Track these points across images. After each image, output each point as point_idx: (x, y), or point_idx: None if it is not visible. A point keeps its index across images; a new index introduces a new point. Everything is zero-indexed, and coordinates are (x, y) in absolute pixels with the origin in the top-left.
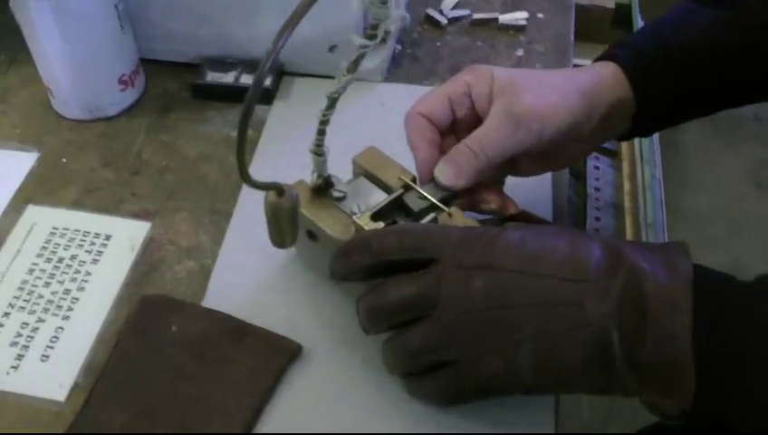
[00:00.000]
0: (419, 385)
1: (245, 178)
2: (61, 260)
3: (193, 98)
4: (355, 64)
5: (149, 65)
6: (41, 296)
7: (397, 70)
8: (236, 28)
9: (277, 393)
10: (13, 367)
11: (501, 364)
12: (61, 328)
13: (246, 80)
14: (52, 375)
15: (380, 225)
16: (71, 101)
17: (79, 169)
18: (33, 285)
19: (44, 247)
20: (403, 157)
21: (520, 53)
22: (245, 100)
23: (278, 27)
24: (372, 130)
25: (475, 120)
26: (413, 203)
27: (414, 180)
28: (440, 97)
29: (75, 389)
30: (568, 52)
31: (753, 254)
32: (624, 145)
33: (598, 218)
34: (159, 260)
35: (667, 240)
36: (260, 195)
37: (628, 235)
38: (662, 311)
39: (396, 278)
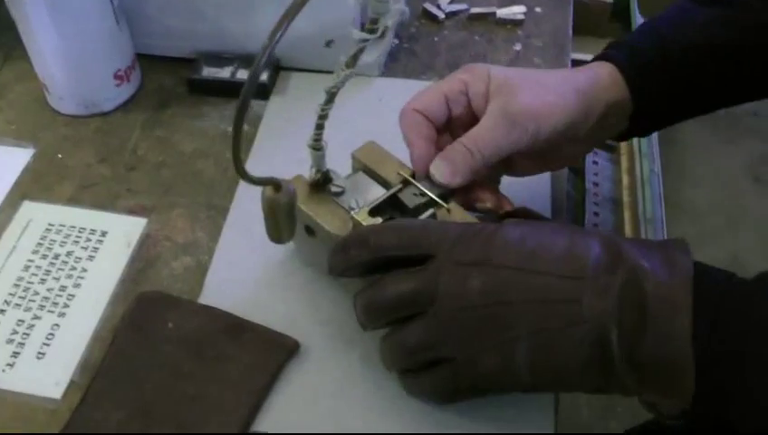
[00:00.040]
0: (416, 382)
1: (241, 173)
2: (57, 257)
3: (189, 93)
4: (354, 59)
5: (145, 60)
6: (36, 293)
7: (394, 64)
8: (233, 23)
9: (275, 390)
10: (8, 365)
11: (498, 362)
12: (57, 325)
13: (243, 75)
14: (48, 373)
15: (378, 220)
16: (66, 97)
17: (74, 164)
18: (29, 282)
19: (40, 244)
20: (400, 152)
21: (518, 47)
22: (241, 94)
23: (274, 22)
24: (369, 124)
25: (472, 118)
26: (408, 200)
27: (413, 176)
28: (436, 94)
29: (71, 386)
30: (566, 46)
31: (752, 249)
32: None
33: (596, 213)
34: (156, 256)
35: (665, 235)
36: (257, 190)
37: (627, 230)
38: (662, 310)
39: (393, 274)
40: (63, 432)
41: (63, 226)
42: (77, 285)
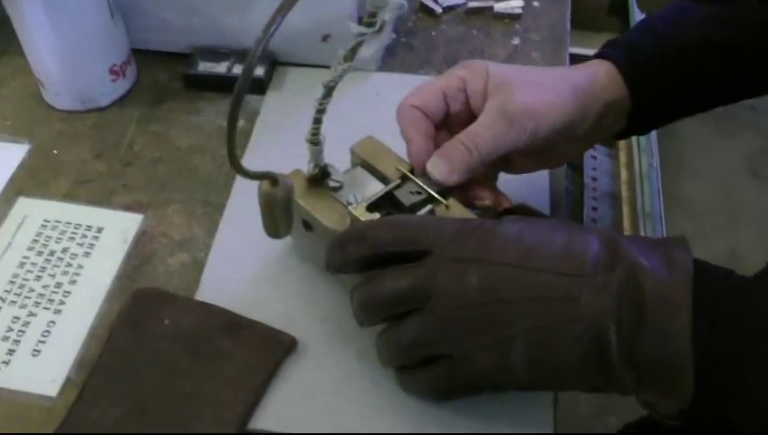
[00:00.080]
0: (412, 379)
1: (237, 167)
2: (52, 253)
3: (185, 88)
4: (352, 53)
5: (141, 56)
6: (32, 290)
7: (391, 59)
8: (228, 18)
9: (272, 387)
10: (4, 362)
11: (494, 359)
12: (52, 322)
13: (239, 70)
14: (44, 370)
15: (376, 216)
16: (62, 93)
17: (70, 160)
18: (25, 279)
19: (36, 240)
20: (398, 147)
21: (516, 41)
22: (235, 88)
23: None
24: (367, 119)
25: (469, 115)
26: (405, 198)
27: (412, 171)
28: (434, 90)
29: (67, 384)
30: (564, 40)
31: (750, 244)
32: None
33: (595, 208)
34: (152, 253)
35: (664, 230)
36: (254, 186)
37: (626, 224)
38: (661, 308)
39: (390, 270)
40: (59, 432)
41: (59, 222)
42: (73, 282)
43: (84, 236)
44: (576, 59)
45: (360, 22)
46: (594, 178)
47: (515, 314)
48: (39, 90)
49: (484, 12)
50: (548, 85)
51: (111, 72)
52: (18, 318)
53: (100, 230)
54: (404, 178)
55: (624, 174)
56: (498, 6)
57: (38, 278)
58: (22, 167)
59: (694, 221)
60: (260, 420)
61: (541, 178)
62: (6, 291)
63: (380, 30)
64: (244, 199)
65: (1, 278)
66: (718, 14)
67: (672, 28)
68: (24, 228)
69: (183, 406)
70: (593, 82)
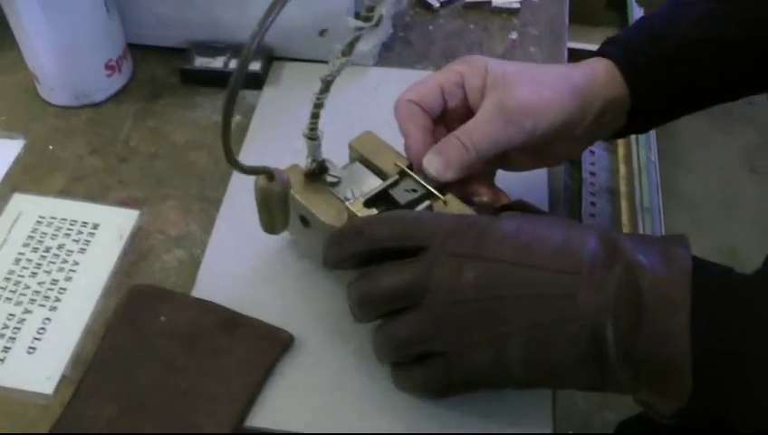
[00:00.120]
0: (408, 376)
1: (232, 162)
2: (48, 249)
3: (181, 83)
4: (350, 47)
5: (137, 51)
6: (27, 287)
7: (389, 54)
8: (225, 12)
9: (269, 384)
10: None
11: (491, 356)
12: (48, 319)
13: (236, 65)
14: (40, 368)
15: (374, 211)
16: (57, 88)
17: (66, 156)
18: (20, 276)
19: (31, 237)
20: (395, 142)
21: (514, 36)
22: (230, 82)
23: None
24: (364, 114)
25: (467, 111)
26: (400, 196)
27: (410, 167)
28: (432, 86)
29: (63, 381)
30: (562, 35)
31: (748, 238)
32: None
33: (593, 203)
34: (148, 249)
35: (663, 224)
36: (250, 182)
37: (624, 219)
38: (659, 307)
39: (386, 266)
40: (54, 432)
41: (54, 218)
42: (68, 279)
43: (80, 232)
44: (574, 54)
45: (357, 16)
46: (592, 174)
47: (512, 311)
48: (34, 85)
49: (482, 6)
50: (547, 83)
51: (107, 67)
52: (13, 315)
53: (95, 226)
54: (402, 174)
55: (622, 169)
56: (496, 1)
57: (33, 275)
58: (17, 163)
59: (692, 216)
60: (257, 418)
61: (539, 174)
62: (2, 288)
63: (378, 24)
64: (241, 195)
65: None
66: (715, 9)
67: (669, 26)
68: (19, 225)
69: (179, 403)
70: (592, 80)
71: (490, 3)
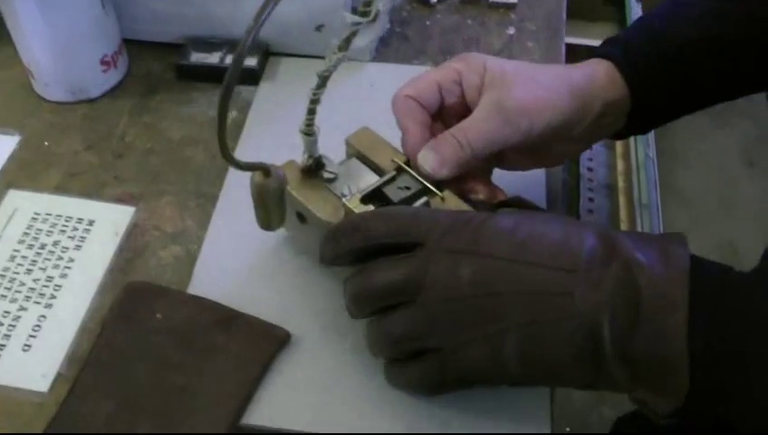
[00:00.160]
0: (402, 372)
1: (228, 158)
2: (43, 246)
3: (177, 79)
4: (347, 42)
5: (132, 46)
6: (22, 284)
7: (385, 49)
8: (221, 7)
9: (266, 382)
10: None
11: (486, 353)
12: (43, 316)
13: (231, 60)
14: (35, 365)
15: (371, 208)
16: (52, 83)
17: (61, 152)
18: (15, 273)
19: (26, 233)
20: (391, 138)
21: (511, 31)
22: (226, 77)
23: None
24: (361, 110)
25: (464, 109)
26: (393, 194)
27: (407, 163)
28: (429, 82)
29: (59, 379)
30: (560, 30)
31: (746, 233)
32: None
33: (591, 199)
34: (144, 246)
35: (661, 220)
36: (247, 178)
37: (623, 215)
38: (656, 305)
39: (381, 261)
40: (50, 431)
41: (50, 214)
42: (64, 276)
43: (75, 229)
44: (572, 49)
45: (354, 11)
46: (590, 169)
47: (509, 308)
48: (29, 80)
49: (479, 1)
50: (545, 83)
51: (102, 62)
52: (8, 313)
53: (91, 223)
54: (399, 170)
55: (620, 165)
56: None
57: (29, 272)
58: (12, 159)
59: (690, 211)
60: (253, 416)
61: (537, 170)
62: None
63: (375, 20)
64: (238, 191)
65: None
66: (714, 8)
67: (669, 25)
68: (14, 221)
69: (175, 401)
70: (592, 81)
71: None
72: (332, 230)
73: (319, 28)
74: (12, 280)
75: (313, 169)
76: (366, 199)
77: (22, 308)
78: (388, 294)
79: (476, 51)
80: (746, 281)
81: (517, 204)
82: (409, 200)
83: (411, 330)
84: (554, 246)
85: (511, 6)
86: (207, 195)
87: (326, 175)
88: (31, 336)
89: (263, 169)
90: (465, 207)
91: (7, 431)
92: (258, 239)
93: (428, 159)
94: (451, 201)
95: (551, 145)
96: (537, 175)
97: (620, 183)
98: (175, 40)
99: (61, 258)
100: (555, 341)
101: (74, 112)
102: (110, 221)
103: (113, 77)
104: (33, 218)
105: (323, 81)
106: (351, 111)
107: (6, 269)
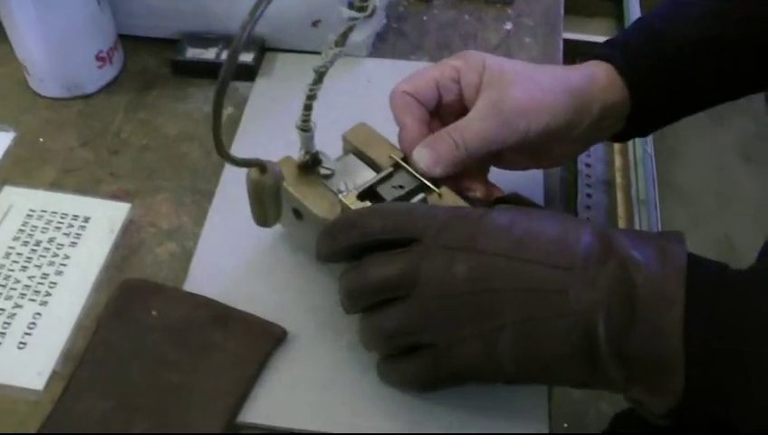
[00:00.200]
0: (396, 368)
1: (223, 154)
2: (38, 243)
3: (173, 75)
4: (344, 37)
5: (128, 41)
6: (17, 281)
7: (382, 45)
8: (217, 3)
9: (262, 379)
10: None
11: (481, 350)
12: (38, 314)
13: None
14: (30, 363)
15: (367, 204)
16: (47, 79)
17: (56, 148)
18: (10, 270)
19: (21, 230)
20: (388, 134)
21: (508, 26)
22: (221, 72)
23: None
24: (358, 106)
25: (462, 107)
26: (386, 193)
27: (405, 159)
28: (427, 79)
29: (54, 377)
30: (558, 26)
31: (744, 228)
32: None
33: (589, 195)
34: (139, 243)
35: (659, 216)
36: (243, 174)
37: (621, 211)
38: (652, 304)
39: (375, 257)
40: (45, 430)
41: (45, 211)
42: (59, 273)
43: (71, 225)
44: (570, 44)
45: (350, 7)
46: (588, 165)
47: (503, 305)
48: (24, 77)
49: None
50: (544, 84)
51: (98, 58)
52: (3, 310)
53: (86, 220)
54: (396, 166)
55: (618, 161)
56: None
57: (24, 269)
58: (7, 155)
59: (688, 207)
60: (250, 413)
61: None
62: None
63: (371, 15)
64: (234, 187)
65: None
66: (715, 9)
67: (669, 25)
68: (9, 218)
69: (171, 399)
70: (591, 84)
71: None
72: (329, 227)
73: (315, 23)
74: (7, 277)
75: (310, 166)
76: (363, 196)
77: (17, 306)
78: (382, 289)
79: (473, 46)
80: (744, 279)
81: (514, 201)
82: (405, 198)
83: (405, 325)
84: (551, 243)
85: (508, 2)
86: (203, 191)
87: (323, 171)
88: (26, 334)
89: (258, 165)
90: (462, 203)
91: (2, 430)
92: (254, 236)
93: (423, 157)
94: (448, 197)
95: (549, 146)
96: (535, 171)
97: (618, 179)
98: (171, 35)
99: (56, 255)
100: (551, 339)
101: (69, 108)
102: (105, 218)
103: (109, 73)
104: (29, 215)
105: (320, 76)
106: (348, 107)
107: (1, 266)
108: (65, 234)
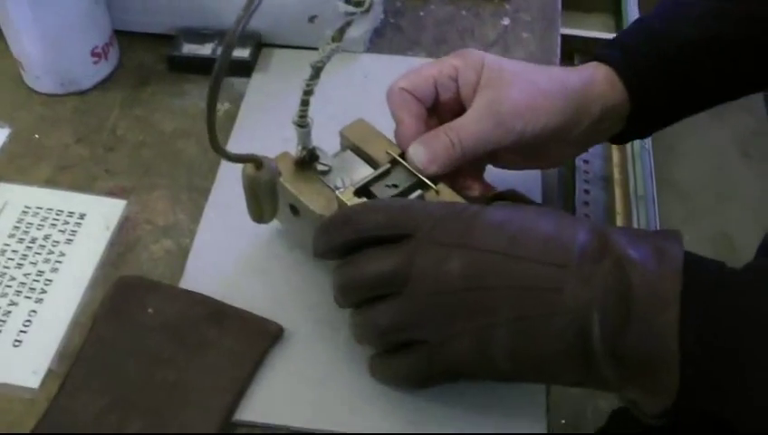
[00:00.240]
0: (389, 364)
1: (218, 149)
2: (34, 240)
3: (169, 71)
4: (341, 33)
5: (123, 37)
6: (13, 278)
7: (379, 40)
8: None
9: (258, 377)
10: None
11: (474, 347)
12: (34, 311)
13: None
14: (26, 361)
15: (364, 200)
16: (42, 76)
17: (52, 145)
18: (5, 267)
19: (17, 227)
20: (385, 130)
21: (506, 22)
22: (215, 67)
23: None
24: (355, 101)
25: (459, 105)
26: (380, 192)
27: (402, 155)
28: (425, 77)
29: (49, 375)
30: (555, 21)
31: (742, 224)
32: None
33: (587, 191)
34: (135, 240)
35: (657, 212)
36: (240, 170)
37: (618, 207)
38: (648, 303)
39: (369, 251)
40: (39, 431)
41: (40, 208)
42: (55, 270)
43: (66, 222)
44: (567, 40)
45: (347, 2)
46: (586, 161)
47: (498, 303)
48: (19, 72)
49: None
50: (542, 86)
51: (93, 54)
52: None
53: (82, 217)
54: (394, 163)
55: (616, 157)
56: None
57: (19, 266)
58: (2, 152)
59: (686, 203)
60: (246, 411)
61: None
62: None
63: (369, 10)
64: (230, 184)
65: None
66: (715, 9)
67: (668, 25)
68: (4, 215)
69: (167, 397)
70: (590, 86)
71: None
72: (324, 223)
73: (312, 19)
74: (2, 275)
75: (307, 162)
76: (360, 192)
77: (12, 303)
78: (375, 285)
79: (471, 42)
80: (740, 279)
81: (511, 197)
82: (402, 195)
83: (398, 321)
84: (546, 240)
85: None
86: (200, 188)
87: (320, 167)
88: (21, 332)
89: (254, 161)
90: (459, 200)
91: None
92: (251, 233)
93: (419, 154)
94: (446, 194)
95: (546, 147)
96: None
97: (616, 175)
98: (166, 31)
99: (51, 252)
100: (545, 337)
101: (65, 105)
102: (101, 215)
103: (104, 69)
104: (24, 212)
105: (317, 72)
106: (345, 103)
107: None
108: (61, 231)
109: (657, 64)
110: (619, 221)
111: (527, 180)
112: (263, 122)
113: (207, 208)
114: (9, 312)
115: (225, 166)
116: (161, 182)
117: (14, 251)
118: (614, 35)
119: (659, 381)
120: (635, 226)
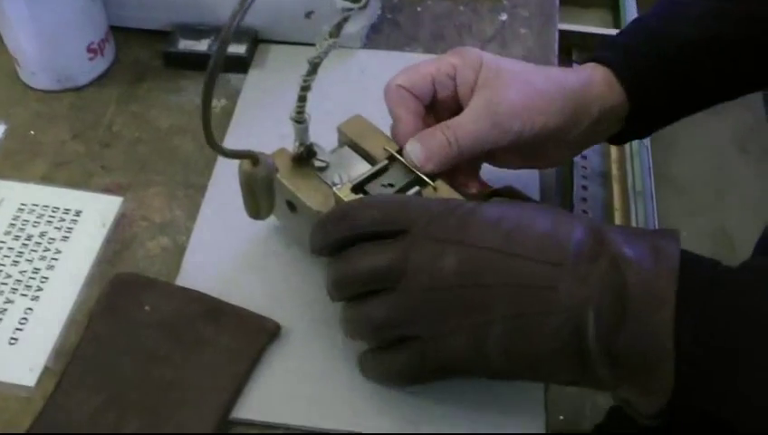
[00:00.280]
0: (381, 360)
1: (213, 146)
2: (29, 237)
3: (165, 67)
4: (338, 28)
5: (119, 33)
6: (9, 276)
7: (376, 36)
8: None
9: (255, 375)
10: None
11: (469, 343)
12: (30, 309)
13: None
14: (22, 359)
15: (361, 197)
16: (38, 72)
17: (47, 141)
18: (1, 264)
19: (12, 224)
20: (382, 126)
21: (503, 17)
22: (210, 62)
23: None
24: (352, 97)
25: (457, 103)
26: (376, 191)
27: (400, 152)
28: (423, 74)
29: (46, 373)
30: (553, 16)
31: (739, 220)
32: None
33: (585, 187)
34: (132, 237)
35: (655, 208)
36: (236, 167)
37: (617, 203)
38: (643, 302)
39: (364, 246)
40: (34, 431)
41: (36, 205)
42: (51, 268)
43: (62, 219)
44: (565, 35)
45: None
46: (584, 157)
47: (492, 300)
48: (15, 69)
49: None
50: (539, 87)
51: (89, 50)
52: None
53: (78, 214)
54: (391, 159)
55: (614, 153)
56: None
57: (15, 263)
58: None
59: (684, 199)
60: (243, 409)
61: None
62: None
63: (366, 6)
64: (227, 181)
65: None
66: (714, 8)
67: (668, 25)
68: (0, 212)
69: (164, 395)
70: (588, 87)
71: None
72: (321, 219)
73: (309, 15)
74: None
75: (304, 158)
76: (357, 188)
77: (8, 301)
78: (370, 280)
79: (468, 37)
80: (736, 277)
81: (509, 194)
82: (399, 192)
83: (392, 317)
84: (541, 238)
85: None
86: (196, 185)
87: (317, 163)
88: (17, 329)
89: (250, 157)
90: (457, 196)
91: None
92: (248, 230)
93: (416, 152)
94: (443, 191)
95: (544, 148)
96: None
97: (614, 171)
98: (162, 27)
99: (48, 250)
100: (540, 335)
101: (61, 101)
102: (97, 212)
103: (100, 65)
104: (20, 209)
105: (314, 67)
106: (342, 99)
107: None
108: (57, 228)
109: (656, 64)
110: (618, 217)
111: (525, 177)
112: (259, 118)
113: (204, 205)
114: (5, 309)
115: (222, 162)
116: (157, 179)
117: (9, 248)
118: (612, 31)
119: (654, 379)
120: (633, 222)
